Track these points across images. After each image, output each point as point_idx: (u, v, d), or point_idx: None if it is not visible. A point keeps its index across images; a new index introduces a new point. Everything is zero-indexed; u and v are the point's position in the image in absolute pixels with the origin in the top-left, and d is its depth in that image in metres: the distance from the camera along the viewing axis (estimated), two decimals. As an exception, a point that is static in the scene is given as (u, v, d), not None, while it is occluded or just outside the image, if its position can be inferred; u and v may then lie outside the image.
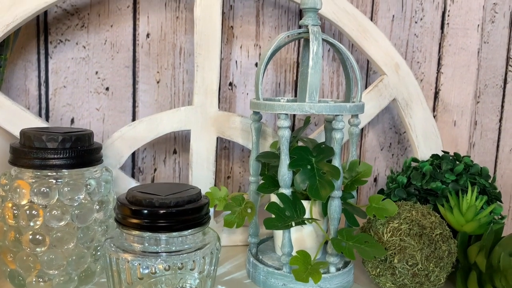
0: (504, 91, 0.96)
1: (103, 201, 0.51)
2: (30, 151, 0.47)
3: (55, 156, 0.47)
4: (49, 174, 0.48)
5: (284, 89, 0.88)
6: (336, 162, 0.53)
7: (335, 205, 0.52)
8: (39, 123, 0.60)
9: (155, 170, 0.86)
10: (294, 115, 0.87)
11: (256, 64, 0.86)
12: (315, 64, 0.50)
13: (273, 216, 0.50)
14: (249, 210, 0.57)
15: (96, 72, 0.81)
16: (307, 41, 0.59)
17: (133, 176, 0.85)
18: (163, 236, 0.44)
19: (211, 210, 0.60)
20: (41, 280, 0.47)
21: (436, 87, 0.94)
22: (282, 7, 0.85)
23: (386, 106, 0.74)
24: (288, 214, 0.51)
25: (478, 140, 0.97)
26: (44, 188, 0.47)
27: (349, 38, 0.70)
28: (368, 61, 0.91)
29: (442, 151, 0.68)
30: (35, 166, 0.47)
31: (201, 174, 0.65)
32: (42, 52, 0.79)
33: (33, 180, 0.48)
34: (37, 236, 0.47)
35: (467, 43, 0.93)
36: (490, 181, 0.62)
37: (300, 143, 0.63)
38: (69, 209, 0.48)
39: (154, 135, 0.64)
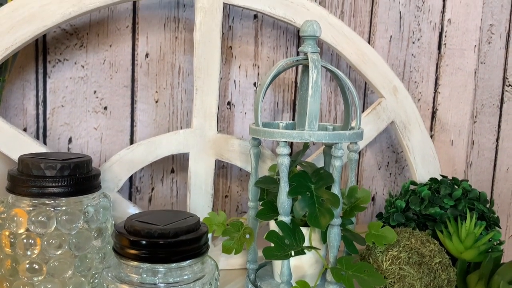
0: (501, 111, 0.97)
1: (101, 228, 0.51)
2: (28, 179, 0.47)
3: (54, 184, 0.47)
4: (47, 202, 0.47)
5: (282, 108, 0.88)
6: (335, 189, 0.53)
7: (334, 233, 0.52)
8: (37, 146, 0.60)
9: (152, 189, 0.86)
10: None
11: (255, 84, 0.86)
12: (315, 93, 0.50)
13: (272, 244, 0.50)
14: (247, 236, 0.57)
15: (95, 92, 0.81)
16: (306, 66, 0.59)
17: (130, 195, 0.84)
18: (161, 268, 0.43)
19: (209, 234, 0.60)
20: (37, 309, 0.46)
21: (433, 107, 0.94)
22: (280, 27, 0.85)
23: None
24: (287, 243, 0.50)
25: (475, 159, 0.97)
26: (42, 217, 0.47)
27: (348, 62, 0.70)
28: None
29: (441, 175, 0.69)
30: (33, 194, 0.47)
31: (199, 197, 0.65)
32: (41, 71, 0.79)
33: (31, 208, 0.47)
34: (34, 265, 0.46)
35: (464, 64, 0.94)
36: (488, 205, 0.63)
37: (299, 167, 0.63)
38: (67, 238, 0.48)
39: (153, 158, 0.64)
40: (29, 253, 0.46)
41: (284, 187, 0.51)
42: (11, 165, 0.66)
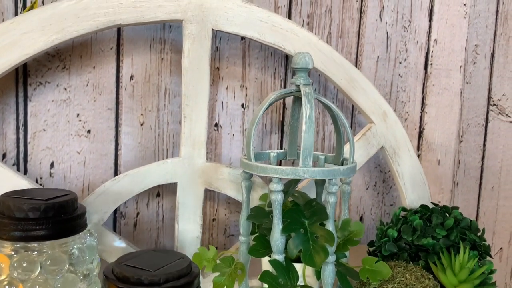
0: (486, 130, 0.98)
1: (87, 269, 0.49)
2: (10, 222, 0.45)
3: (37, 227, 0.45)
4: (30, 246, 0.45)
5: (270, 129, 0.87)
6: (330, 226, 0.52)
7: (329, 271, 0.51)
8: (18, 179, 0.58)
9: (137, 214, 0.84)
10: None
11: (243, 105, 0.85)
12: (309, 128, 0.49)
13: (266, 286, 0.49)
14: (239, 272, 0.55)
15: (78, 115, 0.78)
16: (296, 98, 0.58)
17: (114, 221, 0.82)
18: (153, 316, 0.42)
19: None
20: None
21: (420, 127, 0.94)
22: (268, 49, 0.84)
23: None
24: (281, 282, 0.49)
25: (462, 178, 0.98)
26: (25, 262, 0.44)
27: (337, 87, 0.69)
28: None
29: (432, 203, 0.68)
30: (15, 238, 0.45)
31: (187, 228, 0.63)
32: (21, 94, 0.76)
33: (13, 253, 0.45)
34: (17, 312, 0.44)
35: (450, 84, 0.94)
36: (479, 234, 0.63)
37: (290, 198, 0.61)
38: (52, 283, 0.46)
39: (140, 189, 0.62)
40: (11, 300, 0.44)
41: (277, 224, 0.50)
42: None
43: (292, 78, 0.55)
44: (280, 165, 0.66)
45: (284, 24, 0.65)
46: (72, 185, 0.79)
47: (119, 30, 0.78)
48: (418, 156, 0.93)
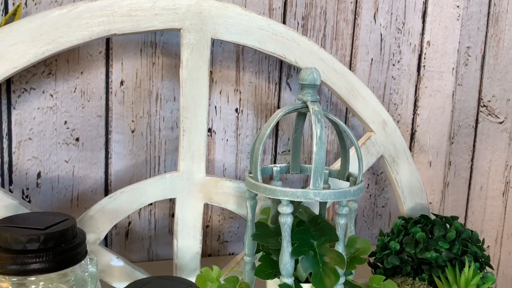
0: (475, 131, 0.98)
1: (89, 298, 0.47)
2: (7, 256, 0.42)
3: (37, 259, 0.42)
4: (30, 279, 0.43)
5: (264, 135, 0.85)
6: (340, 248, 0.51)
7: (338, 292, 0.51)
8: (7, 199, 0.54)
9: (129, 223, 0.81)
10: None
11: (236, 110, 0.83)
12: (319, 150, 0.47)
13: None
14: (244, 292, 0.54)
15: (65, 122, 0.75)
16: (301, 113, 0.56)
17: (106, 231, 0.79)
18: None
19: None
20: None
21: (412, 128, 0.94)
22: (262, 52, 0.82)
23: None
24: (291, 306, 0.48)
25: (452, 179, 0.98)
26: (25, 297, 0.42)
27: (338, 97, 0.68)
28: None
29: (433, 213, 0.68)
30: (14, 272, 0.42)
31: (187, 245, 0.61)
32: (4, 102, 0.72)
33: (11, 287, 0.42)
34: None
35: (442, 86, 0.94)
36: (479, 244, 0.63)
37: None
38: (54, 317, 0.43)
39: (138, 206, 0.60)
40: (11, 336, 0.42)
41: (287, 248, 0.49)
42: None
43: (299, 94, 0.53)
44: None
45: (285, 32, 0.63)
46: (60, 196, 0.76)
47: (108, 33, 0.74)
48: (410, 158, 0.93)
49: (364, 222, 0.95)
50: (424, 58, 0.93)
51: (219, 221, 0.86)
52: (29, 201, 0.74)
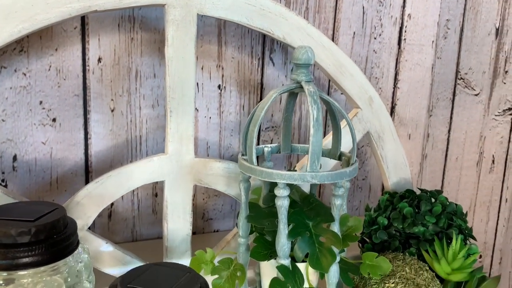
0: (453, 104, 1.00)
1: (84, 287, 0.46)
2: (-3, 250, 0.40)
3: (29, 253, 0.40)
4: (22, 274, 0.41)
5: (248, 111, 0.84)
6: (335, 228, 0.51)
7: (334, 271, 0.51)
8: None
9: (111, 204, 0.79)
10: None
11: (219, 87, 0.81)
12: (316, 132, 0.47)
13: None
14: (239, 273, 0.54)
15: (41, 102, 0.71)
16: (292, 93, 0.55)
17: (88, 214, 0.77)
18: None
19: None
20: None
21: (392, 102, 0.95)
22: (249, 28, 0.80)
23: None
24: (289, 287, 0.49)
25: (430, 151, 1.00)
26: (18, 293, 0.40)
27: (325, 73, 0.67)
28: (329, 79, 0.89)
29: (419, 188, 0.70)
30: (4, 267, 0.40)
31: (177, 227, 0.60)
32: (-27, 82, 0.67)
33: (2, 283, 0.41)
34: None
35: (422, 59, 0.95)
36: (463, 217, 0.65)
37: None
38: (49, 310, 0.42)
39: (125, 190, 0.58)
40: (5, 332, 0.40)
41: (283, 230, 0.49)
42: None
43: (293, 73, 0.52)
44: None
45: (272, 7, 0.61)
46: (38, 179, 0.73)
47: (83, 7, 0.70)
48: (391, 131, 0.94)
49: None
50: (405, 31, 0.92)
51: (203, 199, 0.86)
52: (6, 186, 0.71)
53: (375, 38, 0.91)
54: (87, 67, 0.72)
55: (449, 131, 1.01)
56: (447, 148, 1.02)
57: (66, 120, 0.73)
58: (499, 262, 1.16)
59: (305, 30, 0.63)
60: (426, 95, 0.97)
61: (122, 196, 0.78)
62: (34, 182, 0.73)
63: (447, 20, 0.95)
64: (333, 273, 0.51)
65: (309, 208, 0.54)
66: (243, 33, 0.80)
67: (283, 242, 0.49)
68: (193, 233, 0.89)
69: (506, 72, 1.02)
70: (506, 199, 1.11)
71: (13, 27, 0.50)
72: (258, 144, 0.86)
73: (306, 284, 0.52)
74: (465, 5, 0.96)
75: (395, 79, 0.94)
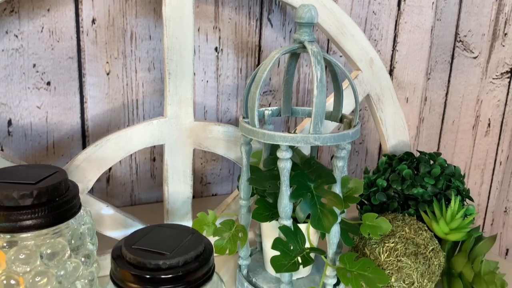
0: (451, 67, 0.99)
1: (88, 250, 0.46)
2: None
3: (31, 216, 0.40)
4: (25, 236, 0.41)
5: (246, 74, 0.83)
6: (337, 189, 0.51)
7: (334, 231, 0.52)
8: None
9: (109, 169, 0.79)
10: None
11: (216, 49, 0.79)
12: (320, 93, 0.46)
13: (279, 253, 0.48)
14: (240, 234, 0.54)
15: (34, 65, 0.69)
16: (294, 53, 0.54)
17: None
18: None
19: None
20: None
21: (391, 65, 0.94)
22: (243, -14, 0.77)
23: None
24: (292, 248, 0.49)
25: (427, 114, 1.00)
26: (22, 255, 0.40)
27: (326, 34, 0.66)
28: (328, 40, 0.88)
29: (418, 150, 0.70)
30: (8, 229, 0.40)
31: (178, 190, 0.60)
32: (-37, 44, 0.65)
33: (6, 245, 0.40)
34: (19, 306, 0.41)
35: (421, 21, 0.93)
36: (462, 179, 0.65)
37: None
38: (54, 272, 0.42)
39: (125, 154, 0.58)
40: (11, 294, 0.40)
41: (286, 191, 0.49)
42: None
43: (295, 33, 0.50)
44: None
45: (273, -35, 0.59)
46: (35, 143, 0.72)
47: (75, -35, 0.67)
48: (388, 95, 0.94)
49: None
50: (405, -8, 0.90)
51: (201, 163, 0.85)
52: (1, 150, 0.70)
53: (374, -1, 0.89)
54: (81, 29, 0.70)
55: (446, 94, 1.01)
56: (444, 111, 1.02)
57: (61, 84, 0.71)
58: (491, 224, 1.19)
59: (305, -11, 0.61)
60: (425, 58, 0.96)
61: (120, 161, 0.78)
62: (30, 146, 0.72)
63: (448, -20, 0.93)
64: (334, 233, 0.52)
65: (310, 170, 0.53)
66: (241, -7, 0.78)
67: (285, 204, 0.49)
68: (192, 197, 0.89)
69: (506, 34, 1.01)
70: (501, 162, 1.12)
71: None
72: (256, 108, 0.85)
73: (307, 244, 0.52)
74: (466, -35, 0.94)
75: (394, 41, 0.92)
